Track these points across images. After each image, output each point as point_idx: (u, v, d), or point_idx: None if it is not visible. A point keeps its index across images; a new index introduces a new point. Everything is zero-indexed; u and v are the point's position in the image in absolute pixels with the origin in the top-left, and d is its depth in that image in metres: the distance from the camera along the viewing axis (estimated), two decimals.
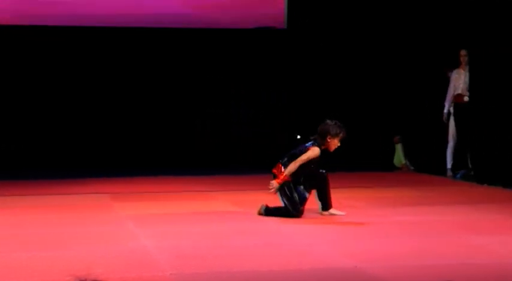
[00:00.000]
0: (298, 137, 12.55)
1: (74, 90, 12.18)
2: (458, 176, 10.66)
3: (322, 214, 7.15)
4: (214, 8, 12.36)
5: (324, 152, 7.11)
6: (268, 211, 7.09)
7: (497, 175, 9.65)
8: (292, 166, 6.97)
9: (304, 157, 6.98)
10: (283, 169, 7.05)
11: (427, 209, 7.51)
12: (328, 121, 7.13)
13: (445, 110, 10.88)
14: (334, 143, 7.06)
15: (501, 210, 7.51)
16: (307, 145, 7.12)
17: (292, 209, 7.01)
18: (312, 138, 7.14)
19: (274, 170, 7.13)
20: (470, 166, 10.57)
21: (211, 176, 10.68)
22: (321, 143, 7.05)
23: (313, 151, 7.00)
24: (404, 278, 4.72)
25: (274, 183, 7.01)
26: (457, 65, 10.73)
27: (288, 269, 4.93)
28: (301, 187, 7.05)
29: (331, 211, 7.15)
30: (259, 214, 7.12)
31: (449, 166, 10.95)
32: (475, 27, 10.28)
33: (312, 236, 6.21)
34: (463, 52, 10.55)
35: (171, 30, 12.31)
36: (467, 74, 10.52)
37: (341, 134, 7.05)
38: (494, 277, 4.64)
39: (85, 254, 5.38)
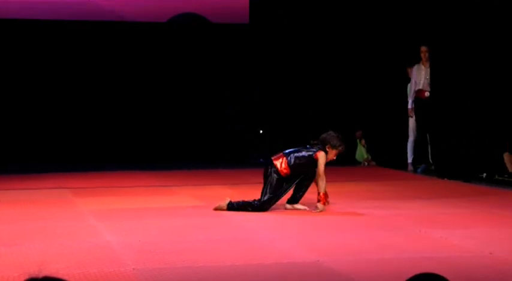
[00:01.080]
0: (261, 132, 12.58)
1: (34, 84, 12.04)
2: (419, 170, 10.78)
3: (285, 208, 7.19)
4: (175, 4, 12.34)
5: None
6: (232, 206, 7.09)
7: (457, 169, 9.77)
8: (323, 183, 7.01)
9: (322, 168, 7.04)
10: (284, 163, 7.05)
11: (388, 204, 7.57)
12: (332, 132, 7.23)
13: (409, 106, 10.99)
14: (331, 156, 7.13)
15: (461, 204, 7.60)
16: (309, 147, 7.17)
17: (261, 204, 7.03)
18: (312, 142, 7.20)
19: (276, 161, 7.12)
20: (430, 160, 10.69)
21: (175, 171, 10.65)
22: (323, 150, 7.12)
23: (322, 158, 7.05)
24: (367, 272, 4.75)
25: (321, 206, 7.01)
26: (417, 61, 10.83)
27: (251, 263, 4.94)
28: (290, 185, 7.13)
29: (295, 205, 7.19)
30: (220, 208, 7.10)
31: (410, 160, 11.06)
32: (435, 25, 10.38)
33: (275, 230, 6.23)
34: (423, 48, 10.65)
35: (141, 25, 12.24)
36: (428, 70, 10.63)
37: (340, 148, 7.14)
38: (456, 271, 4.69)
39: (46, 249, 5.33)
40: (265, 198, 7.06)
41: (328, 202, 7.11)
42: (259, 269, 4.80)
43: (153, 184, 9.30)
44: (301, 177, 7.16)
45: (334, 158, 7.20)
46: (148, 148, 12.27)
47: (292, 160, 7.08)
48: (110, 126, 12.27)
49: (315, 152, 7.09)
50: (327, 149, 7.12)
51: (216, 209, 7.10)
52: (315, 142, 7.21)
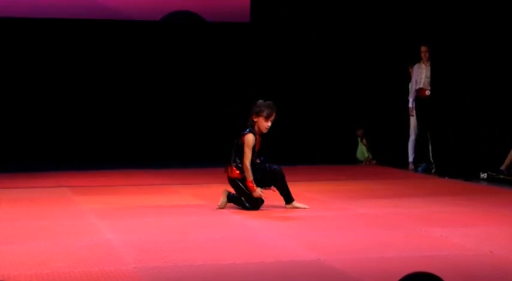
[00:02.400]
0: None
1: (34, 83, 12.05)
2: (419, 169, 10.79)
3: (286, 208, 7.19)
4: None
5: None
6: (231, 197, 7.14)
7: (458, 168, 9.78)
8: (247, 170, 6.93)
9: (246, 150, 6.93)
10: (231, 169, 7.05)
11: (389, 202, 7.57)
12: (258, 102, 7.07)
13: (410, 105, 11.00)
14: (262, 123, 6.96)
15: (461, 202, 7.60)
16: (242, 132, 7.08)
17: (249, 204, 7.04)
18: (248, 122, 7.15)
19: (227, 171, 7.12)
20: (431, 159, 10.69)
21: (174, 170, 10.66)
22: (252, 125, 7.01)
23: (247, 139, 6.94)
24: (367, 270, 4.75)
25: (258, 192, 6.96)
26: (417, 60, 10.84)
27: (251, 262, 4.94)
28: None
29: (295, 203, 7.18)
30: (222, 205, 7.12)
31: (410, 159, 11.08)
32: (435, 23, 10.38)
33: (275, 229, 6.23)
34: (423, 48, 10.65)
35: (140, 23, 12.24)
36: (429, 68, 10.64)
37: (264, 113, 6.93)
38: (456, 269, 4.70)
39: (47, 248, 5.33)
40: (244, 201, 7.05)
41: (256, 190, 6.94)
42: (259, 268, 4.80)
43: (153, 183, 9.31)
44: (266, 176, 7.07)
45: (267, 124, 6.94)
46: (148, 147, 12.28)
47: (234, 158, 7.02)
48: (110, 125, 12.28)
49: (242, 136, 6.97)
50: (255, 119, 6.97)
51: (220, 207, 7.12)
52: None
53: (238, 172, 7.04)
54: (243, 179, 7.02)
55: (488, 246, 5.36)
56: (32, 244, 5.46)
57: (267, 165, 7.14)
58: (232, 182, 7.10)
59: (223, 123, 12.50)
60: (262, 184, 7.07)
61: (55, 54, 12.06)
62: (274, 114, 6.99)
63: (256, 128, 7.01)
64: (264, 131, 7.01)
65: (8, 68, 11.97)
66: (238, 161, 7.02)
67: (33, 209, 7.21)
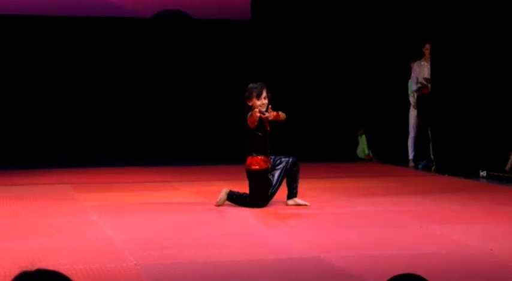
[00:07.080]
0: None
1: (32, 78, 12.05)
2: (420, 166, 10.79)
3: (287, 204, 7.18)
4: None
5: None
6: (231, 196, 7.13)
7: (458, 166, 9.78)
8: (259, 114, 6.96)
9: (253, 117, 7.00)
10: (248, 161, 7.08)
11: (389, 200, 7.58)
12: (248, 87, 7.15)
13: (411, 102, 10.99)
14: (256, 104, 7.02)
15: (462, 200, 7.61)
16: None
17: (251, 202, 7.04)
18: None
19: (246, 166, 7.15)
20: (432, 156, 10.69)
21: (175, 167, 10.66)
22: (251, 111, 7.06)
23: (249, 115, 7.03)
24: (367, 268, 4.76)
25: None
26: (419, 56, 10.81)
27: (251, 259, 4.95)
28: (275, 178, 7.10)
29: (296, 200, 7.17)
30: (221, 202, 7.11)
31: (410, 156, 11.07)
32: (437, 20, 10.37)
33: (275, 226, 6.24)
34: (428, 45, 10.61)
35: (134, 21, 12.25)
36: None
37: (254, 93, 7.00)
38: (456, 267, 4.70)
39: (47, 244, 5.34)
40: (251, 196, 7.07)
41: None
42: (259, 265, 4.81)
43: (154, 180, 9.31)
44: (284, 170, 7.11)
45: (260, 102, 7.01)
46: (149, 144, 12.28)
47: (246, 148, 7.07)
48: (110, 123, 12.28)
49: (246, 121, 7.04)
50: (249, 104, 7.04)
51: (218, 204, 7.11)
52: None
53: (249, 162, 7.06)
54: (253, 172, 7.03)
55: (489, 244, 5.36)
56: (33, 241, 5.48)
57: (283, 157, 7.17)
58: (247, 173, 7.12)
59: (223, 121, 12.51)
60: (279, 174, 7.09)
61: (50, 51, 12.05)
62: (265, 91, 7.05)
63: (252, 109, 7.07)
64: (259, 111, 7.02)
65: (8, 66, 11.98)
66: (249, 149, 7.04)
67: (34, 206, 7.22)
